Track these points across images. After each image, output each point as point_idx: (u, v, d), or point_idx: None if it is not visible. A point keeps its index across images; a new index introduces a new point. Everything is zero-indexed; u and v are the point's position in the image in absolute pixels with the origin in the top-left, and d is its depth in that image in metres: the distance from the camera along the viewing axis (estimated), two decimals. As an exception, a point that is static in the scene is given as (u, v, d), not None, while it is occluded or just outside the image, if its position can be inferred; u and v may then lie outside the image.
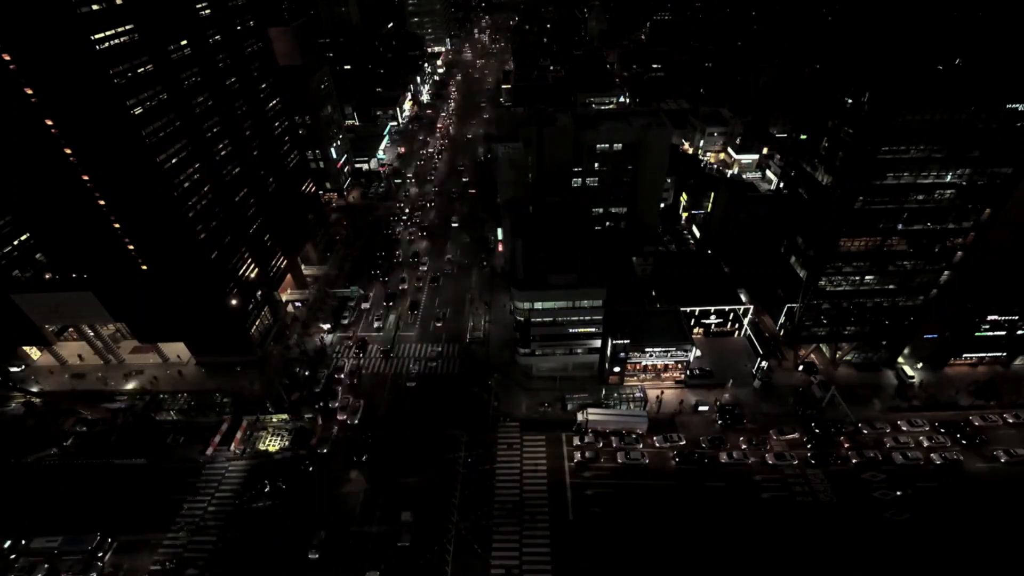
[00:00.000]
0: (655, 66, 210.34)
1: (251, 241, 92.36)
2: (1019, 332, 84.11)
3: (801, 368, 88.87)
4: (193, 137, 76.96)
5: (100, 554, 64.53)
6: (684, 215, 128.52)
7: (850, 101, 72.20)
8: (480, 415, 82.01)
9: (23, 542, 65.97)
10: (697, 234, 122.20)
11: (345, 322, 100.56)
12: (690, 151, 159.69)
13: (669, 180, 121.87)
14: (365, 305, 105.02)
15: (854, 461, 74.55)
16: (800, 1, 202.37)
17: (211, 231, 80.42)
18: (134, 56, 65.63)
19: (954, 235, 75.39)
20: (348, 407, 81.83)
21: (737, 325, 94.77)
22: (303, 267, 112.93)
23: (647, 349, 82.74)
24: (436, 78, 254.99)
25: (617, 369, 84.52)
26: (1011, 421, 79.61)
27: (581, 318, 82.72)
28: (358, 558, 63.86)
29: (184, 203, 74.28)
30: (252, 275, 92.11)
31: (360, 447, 76.84)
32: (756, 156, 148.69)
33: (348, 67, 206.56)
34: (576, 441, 77.55)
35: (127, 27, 64.59)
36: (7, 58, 59.67)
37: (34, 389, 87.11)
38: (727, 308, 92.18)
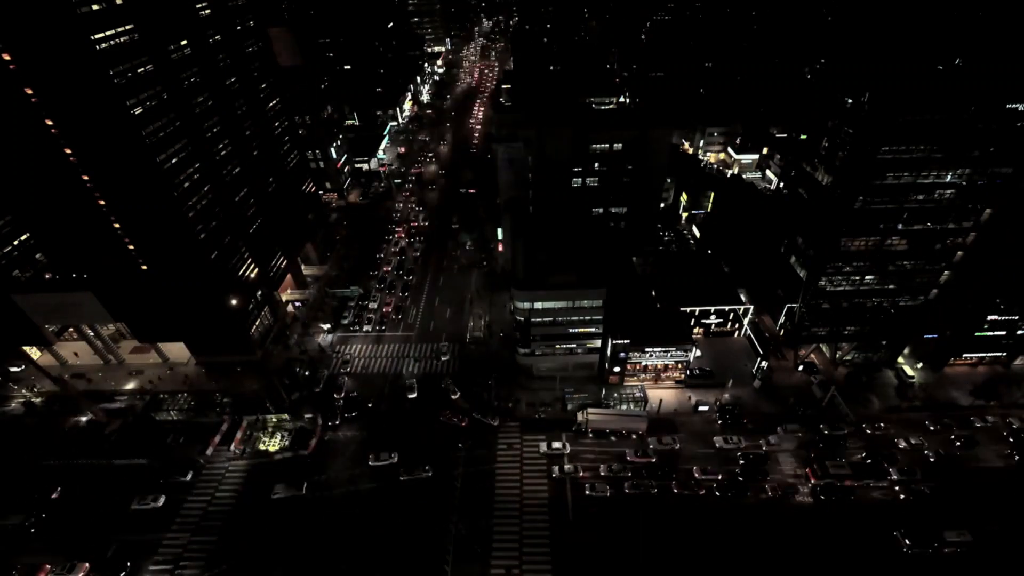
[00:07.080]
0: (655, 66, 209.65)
1: (251, 241, 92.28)
2: (1019, 332, 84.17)
3: (801, 368, 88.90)
4: (193, 137, 76.87)
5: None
6: (684, 215, 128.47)
7: (850, 101, 72.13)
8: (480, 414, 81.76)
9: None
10: (697, 234, 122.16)
11: (345, 322, 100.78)
12: (690, 151, 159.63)
13: (669, 180, 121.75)
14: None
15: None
16: (800, 1, 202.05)
17: (211, 231, 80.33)
18: (134, 56, 65.58)
19: (954, 235, 75.40)
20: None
21: (737, 325, 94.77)
22: (303, 267, 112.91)
23: (647, 349, 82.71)
24: (436, 78, 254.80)
25: (617, 369, 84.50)
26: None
27: (581, 318, 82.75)
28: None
29: (184, 203, 74.21)
30: (252, 275, 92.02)
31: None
32: (756, 156, 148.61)
33: (348, 67, 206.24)
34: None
35: (127, 27, 64.51)
36: (7, 58, 59.50)
37: (35, 388, 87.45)
38: (727, 308, 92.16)
